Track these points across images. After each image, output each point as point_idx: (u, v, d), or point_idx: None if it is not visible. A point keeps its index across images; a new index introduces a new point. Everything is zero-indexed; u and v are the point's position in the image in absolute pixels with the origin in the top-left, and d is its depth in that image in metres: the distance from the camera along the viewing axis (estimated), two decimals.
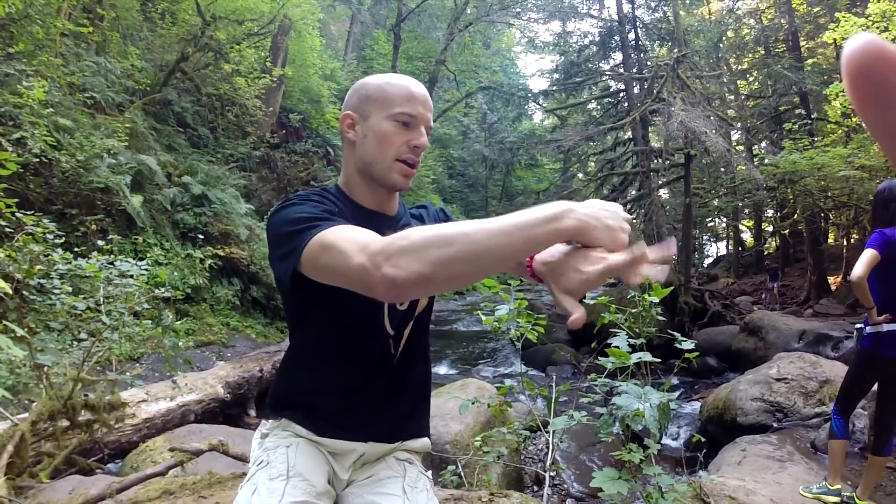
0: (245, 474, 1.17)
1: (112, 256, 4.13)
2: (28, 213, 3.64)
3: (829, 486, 3.28)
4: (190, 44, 11.53)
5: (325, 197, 1.14)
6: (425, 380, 1.33)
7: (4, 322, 2.89)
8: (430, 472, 1.31)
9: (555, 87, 19.31)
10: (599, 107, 20.22)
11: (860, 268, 2.92)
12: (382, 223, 1.15)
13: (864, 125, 0.21)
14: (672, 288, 3.44)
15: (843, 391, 3.33)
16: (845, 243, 16.44)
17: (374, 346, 1.19)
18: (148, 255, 8.00)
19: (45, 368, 3.44)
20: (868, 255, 2.94)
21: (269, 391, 1.30)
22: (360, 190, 1.20)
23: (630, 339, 2.70)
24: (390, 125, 1.12)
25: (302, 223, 0.97)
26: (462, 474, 3.50)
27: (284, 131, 15.31)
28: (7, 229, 3.58)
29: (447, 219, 1.30)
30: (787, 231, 18.39)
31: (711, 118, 12.17)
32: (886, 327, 3.02)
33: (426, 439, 1.35)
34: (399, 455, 1.27)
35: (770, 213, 20.98)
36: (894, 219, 3.00)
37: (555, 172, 23.54)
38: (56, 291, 3.51)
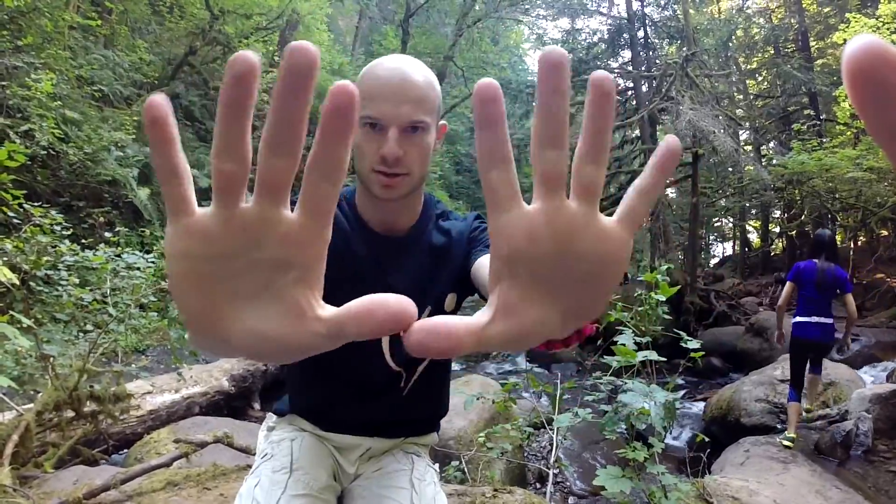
0: (249, 466, 1.17)
1: (119, 249, 4.16)
2: (35, 204, 3.66)
3: (787, 435, 4.39)
4: (198, 37, 11.56)
5: None
6: (440, 394, 1.29)
7: (11, 312, 2.90)
8: (437, 465, 1.30)
9: None
10: None
11: (780, 299, 4.61)
12: (386, 248, 1.09)
13: (865, 127, 0.21)
14: (678, 287, 3.43)
15: (790, 368, 4.59)
16: (852, 245, 16.30)
17: (374, 374, 1.14)
18: (154, 247, 7.98)
19: (51, 359, 3.46)
20: (786, 288, 4.54)
21: (279, 399, 1.28)
22: (362, 199, 1.09)
23: (636, 338, 2.69)
24: (361, 132, 0.94)
25: None
26: (465, 470, 3.51)
27: None
28: (15, 220, 3.59)
29: (480, 229, 1.12)
30: (794, 232, 18.28)
31: (720, 117, 12.09)
32: (795, 318, 4.47)
33: (434, 434, 1.34)
34: (407, 448, 1.26)
35: (777, 213, 20.86)
36: (818, 255, 4.40)
37: None
38: (63, 283, 3.53)
